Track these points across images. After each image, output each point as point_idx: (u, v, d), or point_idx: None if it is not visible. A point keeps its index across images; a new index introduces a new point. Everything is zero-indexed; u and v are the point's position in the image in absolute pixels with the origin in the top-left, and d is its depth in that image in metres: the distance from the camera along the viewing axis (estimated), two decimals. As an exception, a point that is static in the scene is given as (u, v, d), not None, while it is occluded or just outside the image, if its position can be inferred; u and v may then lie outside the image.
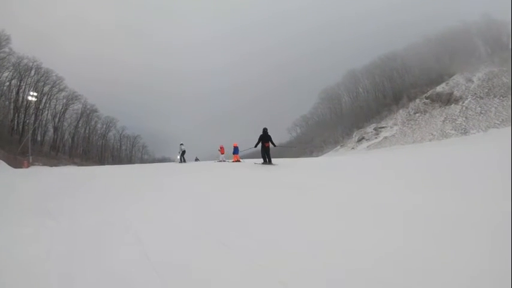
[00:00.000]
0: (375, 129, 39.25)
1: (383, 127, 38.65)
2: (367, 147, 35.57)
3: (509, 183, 3.24)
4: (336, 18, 58.52)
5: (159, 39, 72.39)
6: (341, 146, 40.96)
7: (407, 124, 36.53)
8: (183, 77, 71.59)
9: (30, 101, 47.26)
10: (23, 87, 50.80)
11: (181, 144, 18.93)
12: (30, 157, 36.08)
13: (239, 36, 73.41)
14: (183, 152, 18.22)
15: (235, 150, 14.80)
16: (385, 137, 35.84)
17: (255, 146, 11.24)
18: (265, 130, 10.94)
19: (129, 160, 56.49)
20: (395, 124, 37.80)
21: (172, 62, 70.20)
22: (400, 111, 39.49)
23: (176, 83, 72.72)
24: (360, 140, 38.65)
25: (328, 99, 53.14)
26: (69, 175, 9.71)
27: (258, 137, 10.96)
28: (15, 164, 27.92)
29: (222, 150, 16.53)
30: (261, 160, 11.13)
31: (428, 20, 47.00)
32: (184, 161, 17.90)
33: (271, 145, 11.06)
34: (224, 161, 15.45)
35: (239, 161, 14.18)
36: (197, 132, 66.68)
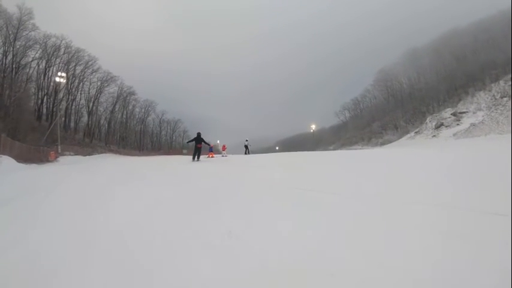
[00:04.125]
0: (453, 114, 36.30)
1: (463, 112, 35.72)
2: (454, 135, 32.92)
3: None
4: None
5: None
6: (415, 132, 38.15)
7: (495, 110, 33.57)
8: (238, 72, 70.42)
9: (59, 82, 43.05)
10: (52, 68, 45.86)
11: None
12: (60, 146, 32.64)
13: (291, 28, 70.83)
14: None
15: (211, 149, 19.33)
16: (473, 124, 33.06)
17: (188, 142, 15.61)
18: (199, 134, 13.92)
19: (169, 146, 53.67)
20: (478, 109, 34.83)
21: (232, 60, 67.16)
22: (481, 94, 36.34)
23: (230, 77, 72.57)
24: (438, 127, 35.90)
25: (384, 81, 49.31)
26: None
27: (193, 138, 13.99)
28: (39, 156, 22.43)
29: (223, 148, 22.87)
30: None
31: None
32: None
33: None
34: (225, 156, 20.23)
35: (213, 156, 18.18)
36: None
